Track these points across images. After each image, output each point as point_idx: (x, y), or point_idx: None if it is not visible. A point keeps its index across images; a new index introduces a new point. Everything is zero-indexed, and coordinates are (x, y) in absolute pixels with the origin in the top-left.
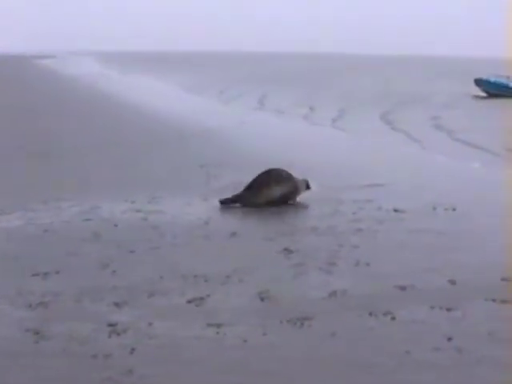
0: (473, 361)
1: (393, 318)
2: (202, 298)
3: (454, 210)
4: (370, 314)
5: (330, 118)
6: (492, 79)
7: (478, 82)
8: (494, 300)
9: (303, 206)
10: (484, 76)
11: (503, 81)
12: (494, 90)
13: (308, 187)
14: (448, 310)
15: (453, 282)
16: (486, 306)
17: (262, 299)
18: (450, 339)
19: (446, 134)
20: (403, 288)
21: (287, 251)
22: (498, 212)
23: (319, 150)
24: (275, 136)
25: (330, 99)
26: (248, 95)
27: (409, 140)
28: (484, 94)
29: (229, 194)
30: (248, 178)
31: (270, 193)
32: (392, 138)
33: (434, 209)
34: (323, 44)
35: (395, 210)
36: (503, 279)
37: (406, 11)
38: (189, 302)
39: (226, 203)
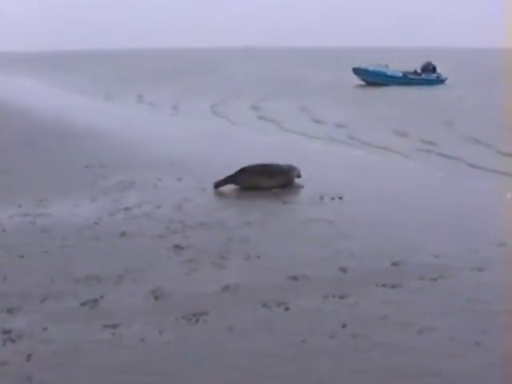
0: (367, 345)
1: (287, 309)
2: (95, 300)
3: (340, 198)
4: (264, 306)
5: (168, 113)
6: (370, 68)
7: (357, 71)
8: (384, 285)
9: (190, 201)
10: (362, 65)
11: (381, 69)
12: (372, 78)
13: (299, 175)
14: (341, 297)
15: (344, 270)
16: (378, 292)
17: (156, 297)
18: (344, 326)
19: (275, 124)
20: (295, 278)
21: (178, 248)
22: (382, 199)
23: (193, 146)
24: (149, 133)
25: (170, 94)
26: (97, 92)
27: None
28: (362, 83)
29: (116, 194)
30: (133, 177)
31: (259, 183)
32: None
33: (322, 198)
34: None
35: (283, 202)
36: (393, 264)
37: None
38: (83, 304)
39: (219, 185)
